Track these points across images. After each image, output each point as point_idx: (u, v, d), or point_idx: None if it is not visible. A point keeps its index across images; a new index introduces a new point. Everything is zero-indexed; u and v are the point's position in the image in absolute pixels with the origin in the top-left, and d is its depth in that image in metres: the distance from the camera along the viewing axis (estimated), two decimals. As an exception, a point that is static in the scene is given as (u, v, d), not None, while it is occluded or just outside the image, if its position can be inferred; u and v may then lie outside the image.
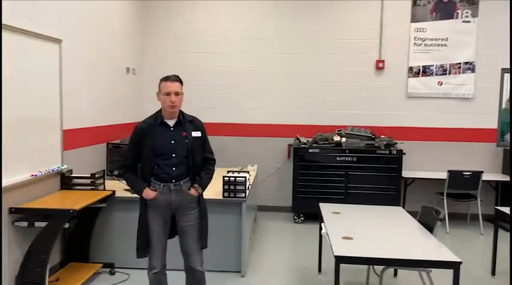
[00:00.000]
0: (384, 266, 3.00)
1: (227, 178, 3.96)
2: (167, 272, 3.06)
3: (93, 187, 3.99)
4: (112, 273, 4.00)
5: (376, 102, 6.17)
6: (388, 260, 2.69)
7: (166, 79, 2.84)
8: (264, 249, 4.76)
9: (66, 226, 3.40)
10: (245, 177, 3.97)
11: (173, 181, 2.83)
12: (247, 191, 4.12)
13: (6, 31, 3.16)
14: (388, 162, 5.65)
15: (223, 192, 3.96)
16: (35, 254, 3.30)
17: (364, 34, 6.10)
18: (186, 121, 2.92)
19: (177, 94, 2.82)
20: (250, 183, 4.56)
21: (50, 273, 3.73)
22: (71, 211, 3.27)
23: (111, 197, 3.96)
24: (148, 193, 2.82)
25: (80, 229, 4.04)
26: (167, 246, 2.99)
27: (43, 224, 3.29)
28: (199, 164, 2.95)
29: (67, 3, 4.04)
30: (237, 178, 3.95)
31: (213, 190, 4.12)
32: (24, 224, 3.30)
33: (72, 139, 4.13)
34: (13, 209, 3.26)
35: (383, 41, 6.08)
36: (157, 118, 2.87)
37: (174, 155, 2.83)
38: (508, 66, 5.93)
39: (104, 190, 4.06)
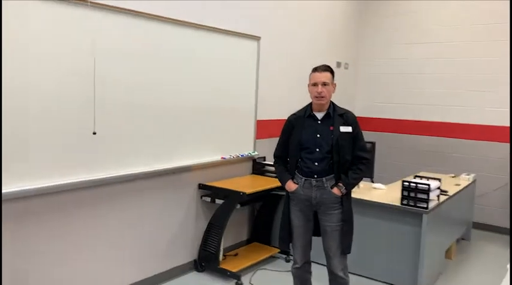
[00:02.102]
0: None
1: (407, 184, 3.49)
2: (316, 266, 2.96)
3: (278, 175, 4.19)
4: (287, 261, 4.13)
5: None
6: None
7: (315, 69, 2.72)
8: (465, 275, 3.97)
9: (238, 206, 3.70)
10: (429, 185, 3.40)
11: (315, 176, 2.70)
12: (434, 202, 3.54)
13: (214, 33, 3.68)
14: None
15: (402, 199, 3.52)
16: (213, 227, 3.74)
17: None
18: (336, 115, 2.72)
19: (324, 84, 2.66)
20: (448, 193, 3.90)
21: (233, 247, 4.19)
22: (241, 194, 3.55)
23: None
24: (290, 186, 2.78)
25: (265, 213, 4.33)
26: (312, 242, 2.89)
27: (221, 202, 3.69)
28: (347, 162, 2.71)
29: (268, 3, 4.34)
30: (418, 185, 3.43)
31: (393, 195, 3.73)
32: (208, 199, 3.77)
33: (265, 129, 4.44)
34: (201, 185, 3.78)
35: None
36: (307, 110, 2.79)
37: (318, 149, 2.69)
38: None
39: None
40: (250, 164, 4.37)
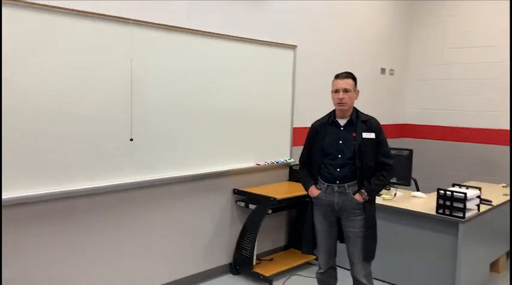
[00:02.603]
0: None
1: (442, 192, 3.38)
2: (342, 271, 2.97)
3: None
4: (322, 267, 4.13)
5: None
6: None
7: (337, 76, 2.77)
8: (508, 290, 3.77)
9: (269, 211, 3.77)
10: (465, 193, 3.28)
11: (337, 182, 2.72)
12: (473, 211, 3.40)
13: (252, 43, 3.86)
14: None
15: (437, 207, 3.41)
16: (247, 231, 3.85)
17: None
18: (359, 121, 2.74)
19: (346, 91, 2.69)
20: (493, 203, 3.72)
21: (270, 252, 4.27)
22: (272, 199, 3.63)
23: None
24: (313, 191, 2.82)
25: (301, 219, 4.33)
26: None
27: (253, 207, 3.79)
28: (370, 168, 2.71)
29: (303, 10, 4.40)
30: (454, 193, 3.32)
31: (431, 204, 3.62)
32: (242, 204, 3.89)
33: (302, 136, 4.47)
34: (235, 191, 3.90)
35: None
36: (330, 117, 2.83)
37: (340, 155, 2.71)
38: None
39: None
40: (286, 171, 4.43)
